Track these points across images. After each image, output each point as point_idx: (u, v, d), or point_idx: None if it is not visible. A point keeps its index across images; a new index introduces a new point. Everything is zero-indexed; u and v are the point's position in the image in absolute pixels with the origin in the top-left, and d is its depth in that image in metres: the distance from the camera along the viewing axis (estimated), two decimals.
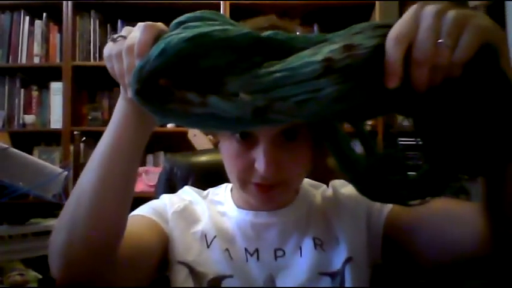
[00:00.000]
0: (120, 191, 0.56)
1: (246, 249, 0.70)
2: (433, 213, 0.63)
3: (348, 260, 0.68)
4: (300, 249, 0.70)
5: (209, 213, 0.74)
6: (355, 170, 0.48)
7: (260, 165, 0.62)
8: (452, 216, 0.62)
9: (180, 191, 0.82)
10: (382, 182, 0.48)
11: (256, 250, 0.70)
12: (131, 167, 0.57)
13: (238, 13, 2.39)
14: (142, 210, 0.73)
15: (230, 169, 0.68)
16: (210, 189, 0.82)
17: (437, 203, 0.55)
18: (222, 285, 0.67)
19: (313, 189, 0.79)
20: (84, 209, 0.54)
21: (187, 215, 0.74)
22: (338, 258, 0.68)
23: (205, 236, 0.71)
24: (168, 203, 0.75)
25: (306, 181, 0.81)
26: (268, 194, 0.66)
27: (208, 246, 0.70)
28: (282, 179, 0.65)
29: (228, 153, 0.67)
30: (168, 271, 0.72)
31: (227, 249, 0.70)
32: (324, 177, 0.82)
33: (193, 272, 0.68)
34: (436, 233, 0.63)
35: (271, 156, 0.62)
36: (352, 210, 0.72)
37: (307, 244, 0.70)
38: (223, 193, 0.79)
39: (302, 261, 0.68)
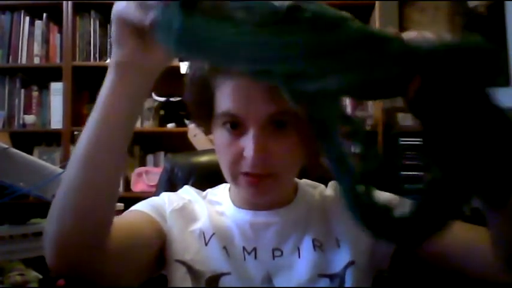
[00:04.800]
0: (107, 168, 0.56)
1: (244, 248, 0.70)
2: (453, 242, 0.64)
3: (350, 264, 0.67)
4: (298, 250, 0.69)
5: (208, 212, 0.74)
6: (356, 202, 0.48)
7: (249, 151, 0.62)
8: (471, 246, 0.64)
9: (180, 190, 0.82)
10: (385, 219, 0.47)
11: (254, 249, 0.70)
12: (120, 144, 0.57)
13: None
14: (141, 206, 0.73)
15: (222, 160, 0.68)
16: (209, 190, 0.82)
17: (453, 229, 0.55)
18: (220, 283, 0.66)
19: (312, 189, 0.79)
20: (72, 196, 0.54)
21: (185, 214, 0.74)
22: (338, 261, 0.68)
23: (204, 233, 0.71)
24: (167, 201, 0.75)
25: (304, 181, 0.80)
26: (258, 186, 0.65)
27: (206, 244, 0.70)
28: (272, 169, 0.64)
29: (219, 143, 0.68)
30: (164, 269, 0.72)
31: (225, 247, 0.70)
32: (322, 175, 0.81)
33: (191, 270, 0.68)
34: (456, 262, 0.65)
35: (260, 142, 0.62)
36: None
37: (306, 245, 0.69)
38: (221, 193, 0.79)
39: (301, 262, 0.68)
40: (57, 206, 0.55)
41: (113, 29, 0.54)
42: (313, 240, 0.70)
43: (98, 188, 0.55)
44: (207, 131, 0.72)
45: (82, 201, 0.54)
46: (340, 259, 0.68)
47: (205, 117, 0.70)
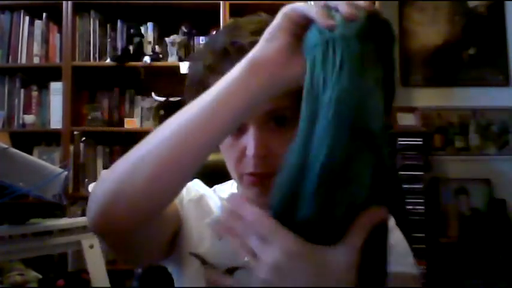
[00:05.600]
0: (194, 158, 0.52)
1: None
2: None
3: None
4: None
5: (221, 207, 0.74)
6: None
7: (250, 150, 0.62)
8: None
9: (191, 183, 0.80)
10: None
11: None
12: (214, 139, 0.53)
13: (238, 13, 2.39)
14: None
15: (227, 161, 0.68)
16: (216, 186, 0.82)
17: None
18: (234, 277, 0.66)
19: None
20: (151, 164, 0.51)
21: (201, 205, 0.74)
22: None
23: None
24: (184, 189, 0.75)
25: None
26: (261, 185, 0.65)
27: (220, 238, 0.70)
28: (275, 167, 0.63)
29: (223, 146, 0.68)
30: (170, 258, 0.72)
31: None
32: None
33: (205, 263, 0.68)
34: None
35: (260, 140, 0.62)
36: None
37: None
38: (229, 190, 0.79)
39: None
40: (128, 167, 0.52)
41: (275, 22, 0.52)
42: None
43: (176, 167, 0.52)
44: None
45: (159, 172, 0.51)
46: None
47: None
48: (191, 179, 0.57)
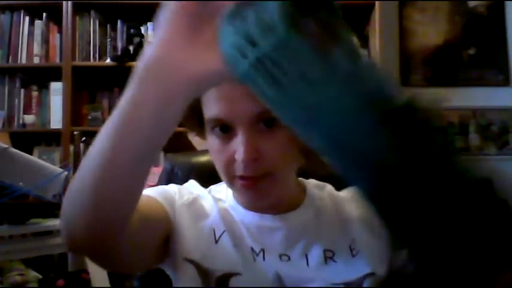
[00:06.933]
0: (130, 171, 0.48)
1: (252, 249, 0.69)
2: None
3: (370, 275, 0.65)
4: (306, 257, 0.68)
5: (217, 209, 0.73)
6: None
7: (239, 154, 0.61)
8: None
9: (186, 184, 0.80)
10: None
11: (262, 250, 0.68)
12: (147, 148, 0.49)
13: None
14: (151, 192, 0.71)
15: (216, 165, 0.67)
16: (212, 187, 0.80)
17: None
18: (230, 284, 0.65)
19: (320, 191, 0.77)
20: (88, 188, 0.48)
21: (195, 209, 0.73)
22: (353, 271, 0.66)
23: (214, 230, 0.70)
24: (177, 192, 0.74)
25: (311, 182, 0.79)
26: (254, 189, 0.64)
27: (216, 242, 0.69)
28: (265, 169, 0.63)
29: (211, 149, 0.67)
30: (165, 263, 0.71)
31: (235, 246, 0.68)
32: (327, 175, 0.80)
33: (200, 269, 0.67)
34: None
35: (249, 144, 0.61)
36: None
37: (316, 255, 0.68)
38: (224, 191, 0.78)
39: (309, 270, 0.67)
40: (73, 189, 0.51)
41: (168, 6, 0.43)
42: (325, 251, 0.68)
43: (111, 188, 0.48)
44: (202, 136, 0.71)
45: (98, 192, 0.48)
46: (356, 269, 0.66)
47: (197, 123, 0.69)
48: (138, 195, 0.52)
